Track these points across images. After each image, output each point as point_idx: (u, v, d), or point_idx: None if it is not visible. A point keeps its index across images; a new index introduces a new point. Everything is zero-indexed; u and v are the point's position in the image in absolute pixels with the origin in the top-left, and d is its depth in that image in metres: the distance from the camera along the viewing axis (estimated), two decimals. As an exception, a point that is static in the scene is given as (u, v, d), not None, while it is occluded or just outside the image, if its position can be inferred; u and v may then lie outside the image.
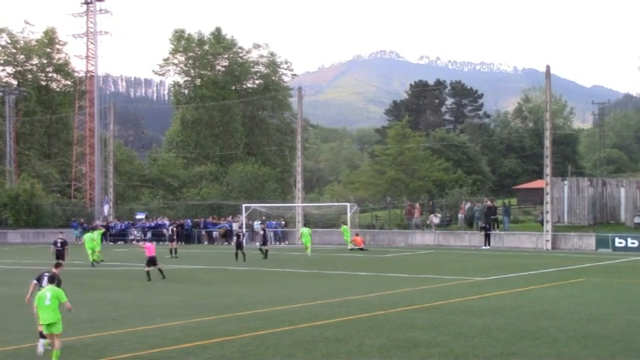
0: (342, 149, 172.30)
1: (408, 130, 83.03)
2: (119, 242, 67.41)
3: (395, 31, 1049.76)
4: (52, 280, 18.14)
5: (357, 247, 55.86)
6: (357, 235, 58.12)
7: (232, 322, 22.29)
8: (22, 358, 17.72)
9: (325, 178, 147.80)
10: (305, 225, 58.83)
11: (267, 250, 48.45)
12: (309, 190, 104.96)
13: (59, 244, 41.74)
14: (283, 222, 67.78)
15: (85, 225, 69.63)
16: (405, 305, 25.28)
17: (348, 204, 62.85)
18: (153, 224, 71.00)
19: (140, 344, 18.82)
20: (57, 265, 20.14)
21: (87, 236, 47.41)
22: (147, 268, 35.55)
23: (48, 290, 17.27)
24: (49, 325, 16.86)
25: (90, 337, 19.75)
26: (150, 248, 36.34)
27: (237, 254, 46.32)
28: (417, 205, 67.02)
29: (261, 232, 51.34)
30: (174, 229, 53.02)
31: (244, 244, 48.36)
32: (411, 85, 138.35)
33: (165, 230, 66.54)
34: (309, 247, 50.85)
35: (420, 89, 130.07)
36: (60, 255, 39.89)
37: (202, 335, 19.91)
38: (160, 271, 36.03)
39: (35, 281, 19.34)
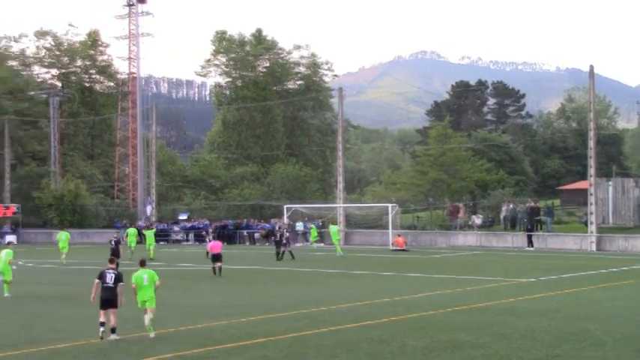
0: (383, 150, 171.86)
1: (449, 130, 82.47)
2: (161, 242, 67.58)
3: (436, 31, 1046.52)
4: (144, 264, 21.06)
5: (398, 248, 55.74)
6: (398, 236, 57.99)
7: (275, 322, 22.32)
8: (69, 357, 17.90)
9: (366, 178, 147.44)
10: (333, 223, 58.82)
11: (283, 252, 48.07)
12: (351, 191, 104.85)
13: (113, 243, 42.69)
14: (321, 222, 67.83)
15: (128, 225, 70.25)
16: (449, 306, 25.13)
17: (390, 204, 62.66)
18: (195, 225, 71.57)
19: (183, 344, 18.91)
20: (111, 261, 21.18)
21: (130, 230, 51.16)
22: (212, 265, 37.93)
23: (144, 272, 20.54)
24: (146, 301, 20.17)
25: (134, 337, 19.89)
26: (215, 246, 38.82)
27: (278, 254, 47.02)
28: (462, 205, 66.61)
29: (286, 234, 51.34)
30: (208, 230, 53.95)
31: (284, 244, 48.79)
32: (452, 85, 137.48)
33: (204, 232, 67.15)
34: (338, 246, 51.66)
35: (462, 89, 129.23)
36: (115, 253, 40.72)
37: (245, 335, 19.95)
38: (220, 269, 37.70)
39: (98, 280, 20.32)
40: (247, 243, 67.53)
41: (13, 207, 78.49)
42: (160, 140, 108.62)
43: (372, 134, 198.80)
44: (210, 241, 47.25)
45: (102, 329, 19.69)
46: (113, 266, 20.88)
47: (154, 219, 74.89)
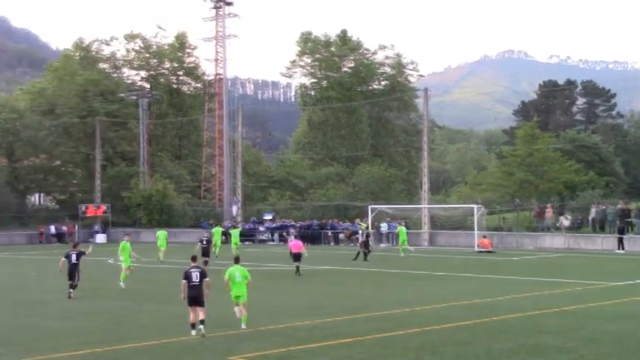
0: (468, 150, 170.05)
1: (537, 130, 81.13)
2: (246, 242, 68.00)
3: (524, 30, 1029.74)
4: (237, 260, 22.71)
5: (484, 250, 55.24)
6: (484, 237, 57.44)
7: (359, 323, 22.37)
8: (156, 354, 18.26)
9: (452, 179, 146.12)
10: (401, 224, 59.16)
11: (368, 252, 48.03)
12: (436, 192, 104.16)
13: (205, 242, 43.52)
14: (404, 223, 67.56)
15: (214, 225, 71.12)
16: (535, 309, 24.80)
17: (475, 205, 62.07)
18: (279, 225, 72.12)
19: (267, 343, 19.10)
20: (194, 259, 22.05)
21: (216, 230, 53.04)
22: (294, 264, 38.58)
23: (237, 270, 22.00)
24: (239, 297, 21.70)
25: (219, 336, 20.18)
26: (295, 245, 39.60)
27: (365, 255, 47.22)
28: (549, 206, 65.56)
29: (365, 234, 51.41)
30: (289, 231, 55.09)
31: (370, 245, 49.00)
32: (540, 84, 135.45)
33: (285, 232, 67.71)
34: (403, 247, 52.74)
35: (550, 89, 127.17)
36: (206, 252, 41.74)
37: (330, 336, 20.04)
38: (297, 268, 38.33)
39: (184, 280, 21.02)
40: (332, 243, 67.70)
41: (104, 206, 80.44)
42: (246, 141, 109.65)
43: (458, 135, 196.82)
44: (291, 240, 47.61)
45: (193, 332, 20.31)
46: (196, 264, 21.69)
47: (239, 219, 75.64)
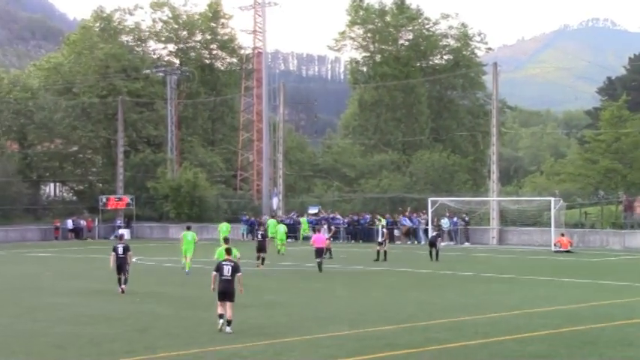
0: (545, 134, 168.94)
1: (625, 111, 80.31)
2: (289, 240, 67.76)
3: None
4: (227, 241, 26.22)
5: (562, 250, 54.85)
6: (562, 235, 57.02)
7: (417, 332, 22.34)
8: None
9: (525, 168, 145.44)
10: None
11: (378, 252, 47.78)
12: (506, 182, 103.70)
13: (260, 236, 44.18)
14: (467, 218, 67.36)
15: (252, 220, 71.41)
16: (623, 318, 24.57)
17: (552, 198, 61.63)
18: (320, 218, 71.87)
19: (314, 354, 19.15)
20: (228, 252, 23.52)
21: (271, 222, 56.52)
22: (317, 260, 39.86)
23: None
24: None
25: (258, 345, 20.23)
26: (318, 239, 40.50)
27: (430, 253, 47.48)
28: (638, 199, 64.84)
29: (384, 231, 51.22)
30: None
31: (439, 243, 48.98)
32: (629, 58, 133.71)
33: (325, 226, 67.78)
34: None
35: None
36: (262, 248, 43.30)
37: (384, 347, 20.01)
38: (319, 264, 39.50)
39: (215, 272, 22.37)
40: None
41: (126, 198, 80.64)
42: (288, 124, 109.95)
43: (532, 116, 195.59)
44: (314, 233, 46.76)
45: (220, 321, 21.96)
46: (229, 257, 22.91)
47: (280, 212, 75.66)
